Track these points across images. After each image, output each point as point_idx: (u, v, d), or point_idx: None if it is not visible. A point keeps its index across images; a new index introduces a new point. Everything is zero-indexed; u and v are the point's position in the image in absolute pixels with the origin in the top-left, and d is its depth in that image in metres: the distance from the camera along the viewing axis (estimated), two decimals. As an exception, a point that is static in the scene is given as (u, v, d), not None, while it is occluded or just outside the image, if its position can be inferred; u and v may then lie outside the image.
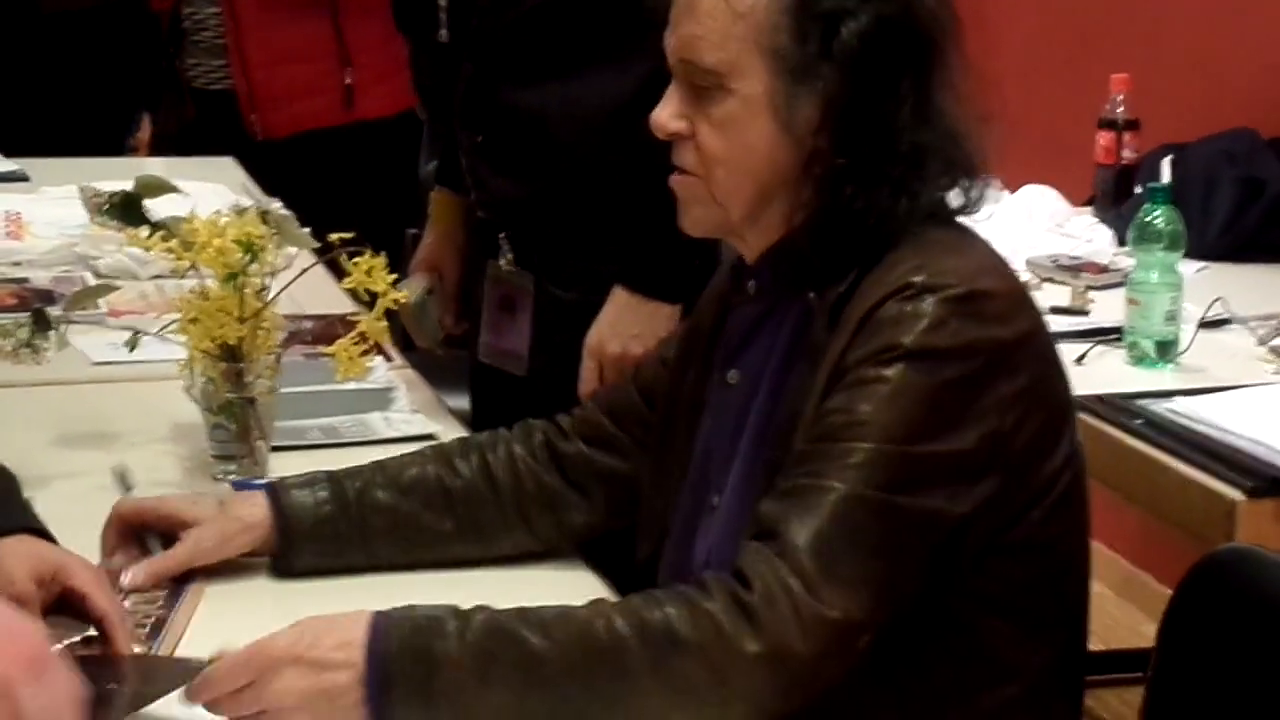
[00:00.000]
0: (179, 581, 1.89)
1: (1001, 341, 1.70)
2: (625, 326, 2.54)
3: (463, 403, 2.68)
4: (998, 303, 1.71)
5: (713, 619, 1.59)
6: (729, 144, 1.77)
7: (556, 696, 1.58)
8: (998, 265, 1.78)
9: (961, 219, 1.82)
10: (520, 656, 1.59)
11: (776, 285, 1.83)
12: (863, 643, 1.63)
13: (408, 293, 2.86)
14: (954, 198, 1.80)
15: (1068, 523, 1.76)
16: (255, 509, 1.95)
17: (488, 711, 1.58)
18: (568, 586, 1.90)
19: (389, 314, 2.18)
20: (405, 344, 3.38)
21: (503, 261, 2.57)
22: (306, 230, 2.39)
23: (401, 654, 1.58)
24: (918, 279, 1.69)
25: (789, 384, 1.78)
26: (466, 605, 1.64)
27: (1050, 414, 1.74)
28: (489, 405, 2.82)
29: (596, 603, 1.66)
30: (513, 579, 1.96)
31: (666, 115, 1.80)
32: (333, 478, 1.98)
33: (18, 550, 1.76)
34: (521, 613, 1.63)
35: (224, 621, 1.83)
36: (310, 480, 1.98)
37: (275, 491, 1.96)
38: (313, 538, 1.94)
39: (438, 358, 2.94)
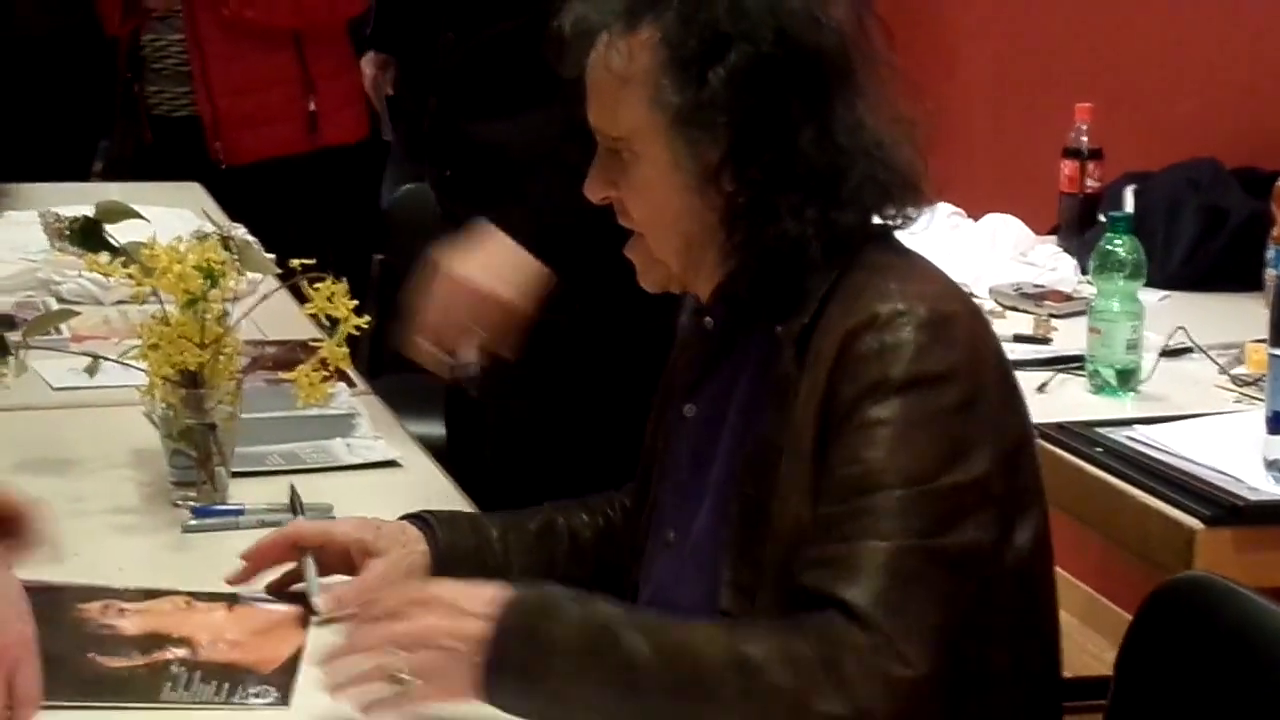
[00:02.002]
0: None
1: (973, 363, 1.70)
2: (483, 254, 2.44)
3: (425, 428, 2.67)
4: (964, 323, 1.72)
5: (804, 666, 1.59)
6: (649, 205, 1.80)
7: (646, 710, 1.61)
8: (950, 286, 1.79)
9: (903, 238, 1.82)
10: (620, 660, 1.61)
11: (731, 321, 1.84)
12: (938, 699, 1.62)
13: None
14: (887, 212, 1.79)
15: (1034, 543, 1.75)
16: (419, 542, 1.94)
17: (580, 706, 1.62)
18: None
19: (351, 340, 2.17)
20: (373, 370, 3.38)
21: None
22: (270, 256, 2.39)
23: (518, 629, 1.62)
24: (886, 308, 1.69)
25: (758, 419, 1.77)
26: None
27: (1017, 432, 1.75)
28: (463, 432, 2.81)
29: (708, 623, 1.67)
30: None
31: (594, 185, 1.84)
32: (472, 520, 2.00)
33: None
34: (636, 615, 1.66)
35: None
36: (451, 519, 1.99)
37: (430, 526, 1.96)
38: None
39: (399, 383, 2.93)
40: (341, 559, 1.93)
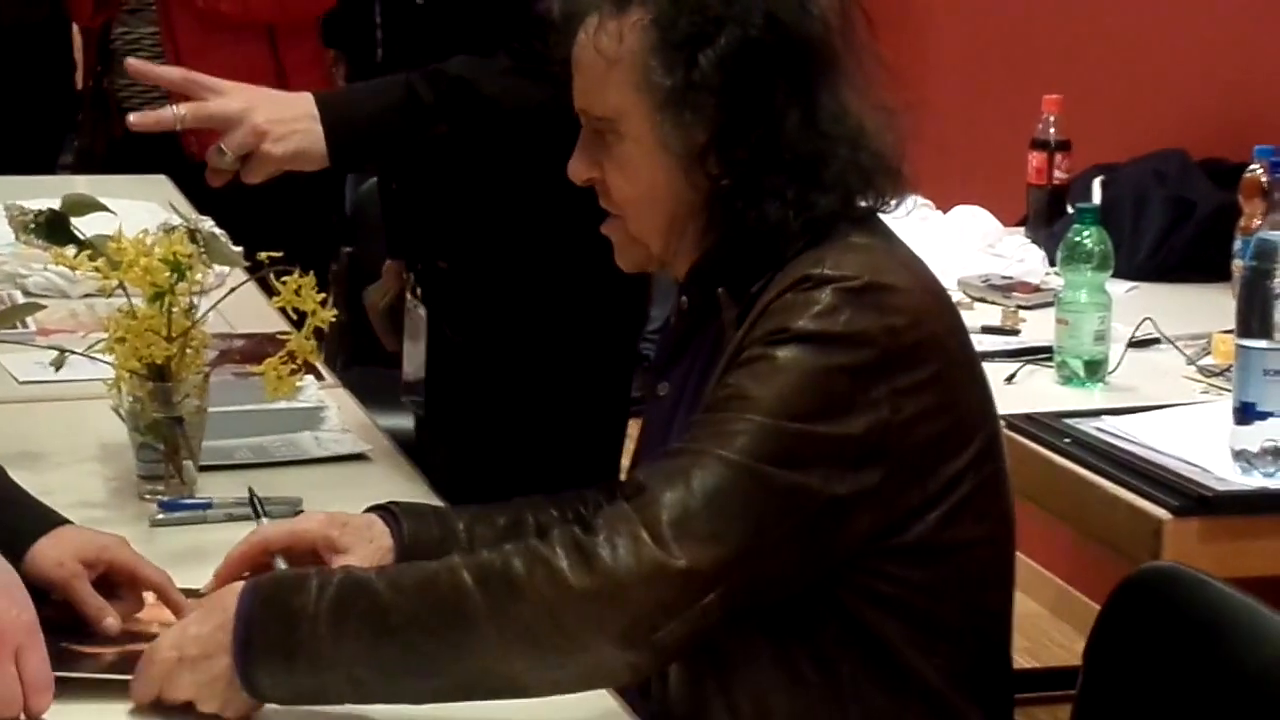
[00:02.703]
0: None
1: (898, 334, 1.71)
2: (281, 111, 2.28)
3: (393, 421, 2.66)
4: (899, 298, 1.73)
5: (547, 561, 1.61)
6: (632, 184, 1.83)
7: (405, 645, 1.61)
8: (909, 264, 1.80)
9: (884, 221, 1.84)
10: (370, 607, 1.62)
11: (703, 299, 1.86)
12: (707, 600, 1.62)
13: (372, 294, 2.86)
14: (867, 197, 1.81)
15: (977, 531, 1.76)
16: (385, 536, 1.92)
17: (342, 663, 1.61)
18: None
19: (319, 333, 2.17)
20: (345, 361, 3.37)
21: (410, 295, 2.55)
22: (239, 249, 2.38)
23: (264, 613, 1.62)
24: (815, 271, 1.73)
25: (705, 388, 1.80)
26: None
27: (957, 418, 1.75)
28: (430, 423, 2.79)
29: (449, 557, 1.68)
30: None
31: (578, 165, 1.87)
32: (438, 512, 1.99)
33: (58, 538, 1.82)
34: (380, 568, 1.69)
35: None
36: (417, 511, 1.97)
37: (396, 518, 1.94)
38: None
39: (369, 376, 2.93)
40: (311, 556, 1.92)
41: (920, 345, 1.72)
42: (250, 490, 2.09)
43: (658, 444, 1.89)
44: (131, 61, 2.23)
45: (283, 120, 2.17)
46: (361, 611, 1.62)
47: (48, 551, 1.80)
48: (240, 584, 1.68)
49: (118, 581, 1.83)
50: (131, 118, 2.14)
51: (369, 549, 1.91)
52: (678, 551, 1.61)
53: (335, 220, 4.13)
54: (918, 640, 1.75)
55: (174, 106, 2.13)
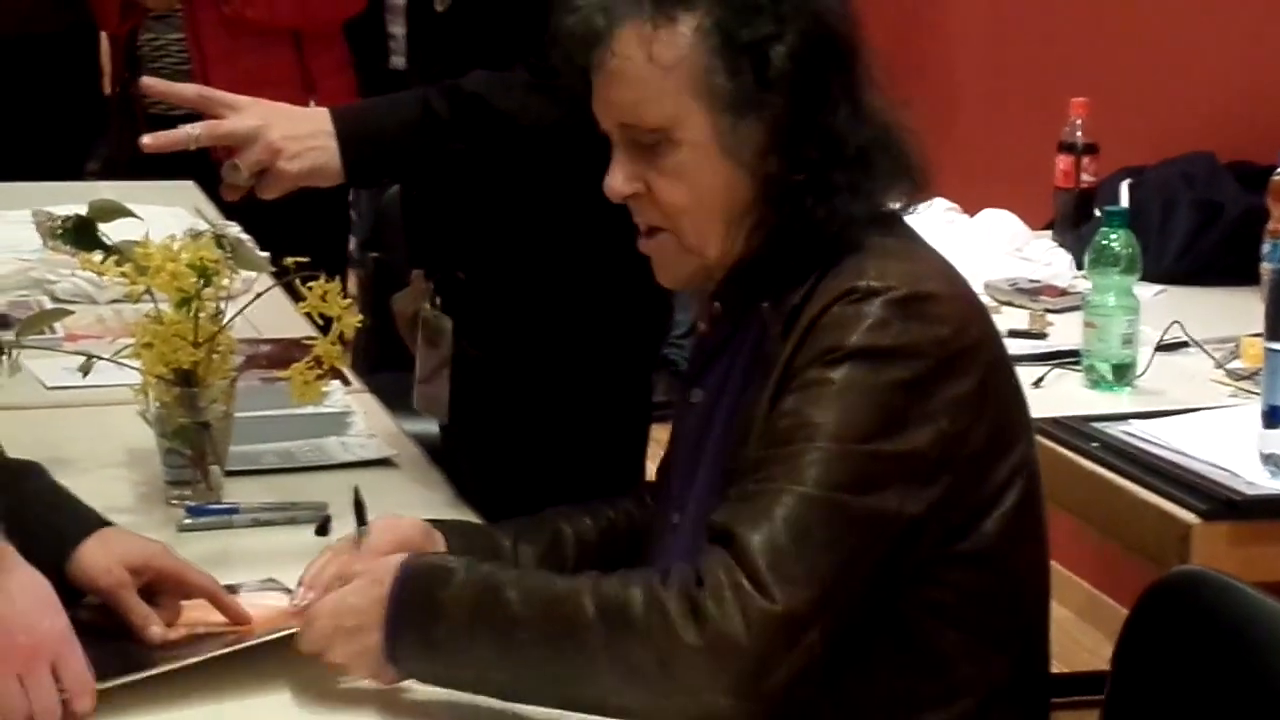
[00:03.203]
0: None
1: (946, 344, 1.71)
2: (297, 128, 2.25)
3: (419, 426, 2.66)
4: (942, 306, 1.73)
5: (663, 608, 1.63)
6: (688, 191, 1.80)
7: (531, 661, 1.66)
8: (945, 270, 1.80)
9: (910, 227, 1.84)
10: (502, 619, 1.67)
11: (738, 303, 1.85)
12: (810, 639, 1.63)
13: (399, 301, 2.85)
14: (899, 195, 1.82)
15: (1021, 535, 1.76)
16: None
17: (475, 664, 1.68)
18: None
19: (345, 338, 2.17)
20: (371, 366, 3.37)
21: (428, 305, 2.54)
22: (266, 255, 2.38)
23: (412, 600, 1.70)
24: (862, 283, 1.72)
25: (745, 396, 1.80)
26: None
27: (999, 423, 1.75)
28: (456, 431, 2.79)
29: (579, 575, 1.71)
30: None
31: (619, 181, 1.83)
32: (482, 531, 2.03)
33: (105, 542, 1.83)
34: (519, 575, 1.72)
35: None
36: (463, 530, 2.00)
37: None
38: None
39: (395, 381, 2.92)
40: None
41: (965, 352, 1.73)
42: (356, 491, 1.98)
43: (692, 451, 1.89)
44: (147, 80, 2.23)
45: (297, 137, 2.17)
46: (494, 620, 1.67)
47: (96, 557, 1.80)
48: (397, 560, 1.74)
49: (163, 589, 1.83)
50: (146, 139, 2.14)
51: None
52: (778, 596, 1.61)
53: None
54: (969, 648, 1.75)
55: (188, 126, 2.13)
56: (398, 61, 4.63)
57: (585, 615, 1.65)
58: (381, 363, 3.52)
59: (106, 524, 1.87)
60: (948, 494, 1.70)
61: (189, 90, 2.21)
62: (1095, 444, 2.47)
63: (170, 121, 4.39)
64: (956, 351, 1.72)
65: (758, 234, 1.81)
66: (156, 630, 1.78)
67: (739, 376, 1.84)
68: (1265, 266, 3.10)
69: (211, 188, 3.87)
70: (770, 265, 1.81)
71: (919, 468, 1.68)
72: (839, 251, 1.76)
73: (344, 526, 2.13)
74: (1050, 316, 3.04)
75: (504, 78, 2.25)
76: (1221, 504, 2.27)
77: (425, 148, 2.25)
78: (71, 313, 2.65)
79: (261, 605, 1.89)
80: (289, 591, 1.90)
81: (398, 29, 4.64)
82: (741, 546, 1.63)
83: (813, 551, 1.64)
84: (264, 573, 1.99)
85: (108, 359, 2.22)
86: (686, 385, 1.94)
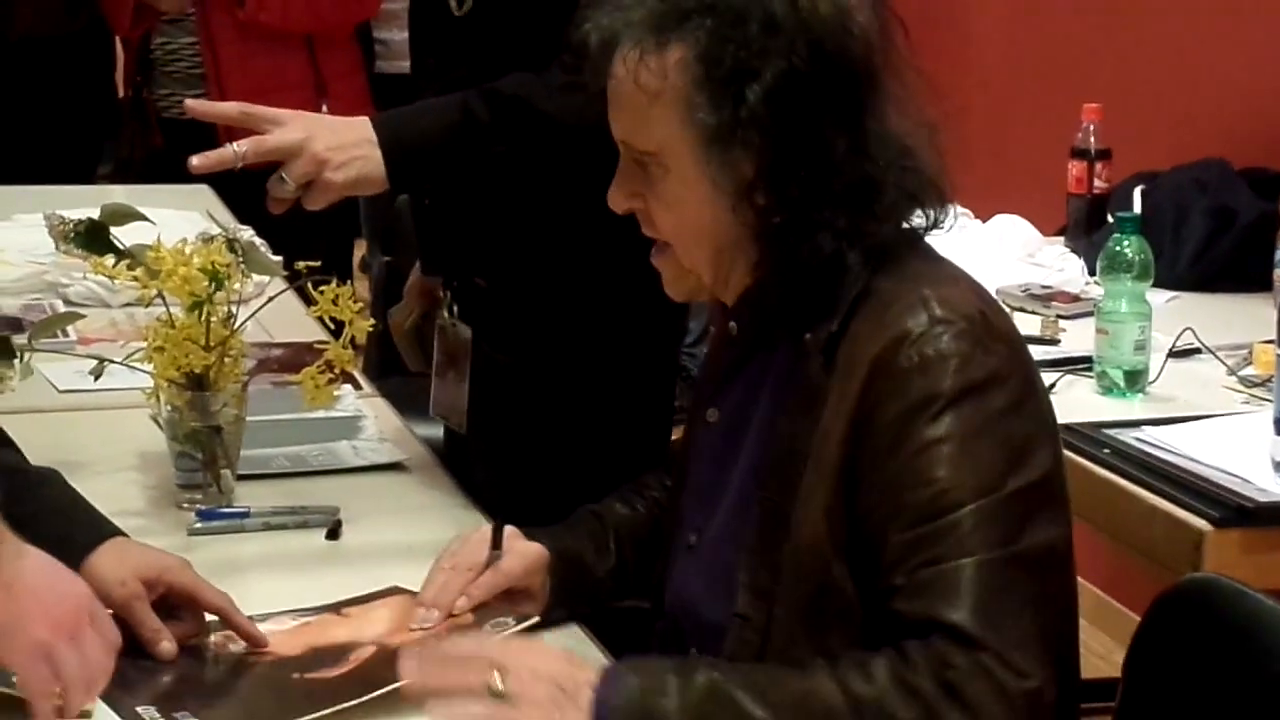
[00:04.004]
0: None
1: (1013, 360, 1.72)
2: (340, 138, 2.23)
3: (430, 430, 2.66)
4: (997, 322, 1.74)
5: (923, 698, 1.59)
6: (678, 218, 1.79)
7: None
8: (977, 288, 1.79)
9: (930, 244, 1.82)
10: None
11: (756, 327, 1.84)
12: (1049, 697, 1.62)
13: (397, 314, 2.85)
14: (918, 218, 1.79)
15: (1067, 539, 1.75)
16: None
17: None
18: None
19: (356, 342, 2.17)
20: (382, 370, 3.37)
21: (446, 313, 2.54)
22: (278, 259, 2.38)
23: (627, 711, 1.59)
24: (919, 320, 1.69)
25: (782, 425, 1.77)
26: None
27: (1052, 425, 1.76)
28: (456, 438, 2.79)
29: (814, 669, 1.64)
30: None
31: (620, 196, 1.83)
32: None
33: (120, 553, 1.83)
34: (741, 675, 1.63)
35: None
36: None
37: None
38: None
39: (406, 386, 2.93)
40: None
41: (1024, 364, 1.73)
42: (496, 524, 1.96)
43: (709, 471, 1.87)
44: (190, 103, 2.22)
45: (342, 147, 2.17)
46: None
47: (110, 568, 1.79)
48: (589, 674, 1.62)
49: (176, 604, 1.82)
50: (194, 161, 2.13)
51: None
52: (1025, 668, 1.60)
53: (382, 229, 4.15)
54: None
55: (233, 144, 2.13)
56: (385, 66, 4.64)
57: (834, 711, 1.59)
58: (393, 367, 3.52)
59: (118, 533, 1.87)
60: (1065, 504, 1.72)
61: (231, 109, 2.21)
62: (1107, 450, 2.47)
63: (183, 126, 4.45)
64: (1021, 365, 1.73)
65: (763, 267, 1.78)
66: (168, 646, 1.78)
67: (767, 402, 1.81)
68: (1278, 273, 3.09)
69: (224, 191, 3.90)
70: (780, 301, 1.78)
71: (1054, 488, 1.70)
72: (866, 275, 1.74)
73: (355, 531, 2.15)
74: (1062, 322, 3.03)
75: (542, 79, 2.25)
76: (1234, 511, 2.27)
77: (467, 151, 2.26)
78: (84, 316, 2.65)
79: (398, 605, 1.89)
80: (307, 611, 1.90)
81: (389, 34, 4.64)
82: (958, 627, 1.61)
83: (1021, 612, 1.63)
84: (274, 576, 1.99)
85: (120, 362, 2.23)
86: (702, 404, 1.91)
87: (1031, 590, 1.65)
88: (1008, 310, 3.08)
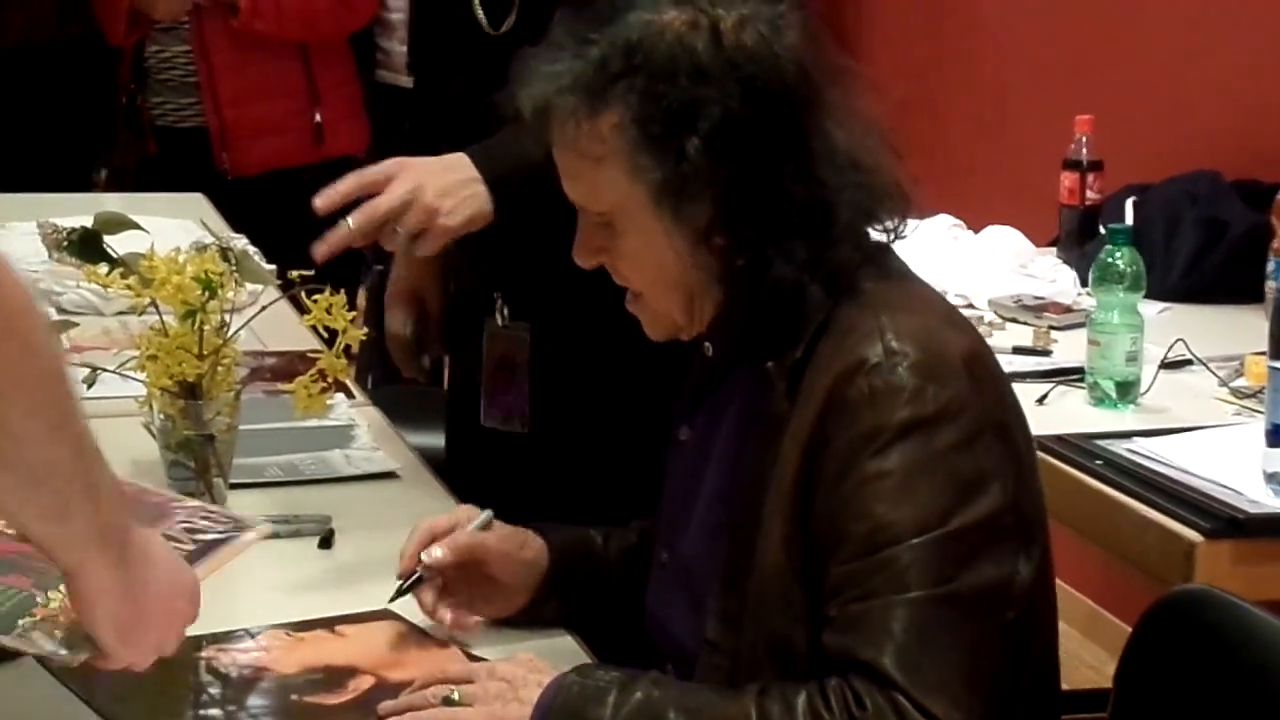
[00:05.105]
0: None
1: (976, 390, 1.68)
2: (446, 181, 2.25)
3: (423, 440, 2.66)
4: (959, 355, 1.70)
5: None
6: (642, 272, 1.80)
7: None
8: (943, 312, 1.78)
9: (900, 259, 1.81)
10: None
11: (727, 352, 1.84)
12: None
13: (392, 324, 2.85)
14: (877, 230, 1.78)
15: (1041, 568, 1.73)
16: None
17: None
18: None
19: (347, 351, 2.17)
20: (379, 378, 3.37)
21: (499, 318, 2.52)
22: (272, 267, 2.38)
23: (563, 713, 1.65)
24: (875, 350, 1.68)
25: (747, 451, 1.77)
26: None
27: (1024, 454, 1.74)
28: (462, 445, 2.79)
29: (744, 694, 1.65)
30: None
31: (584, 254, 1.83)
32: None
33: None
34: (678, 694, 1.66)
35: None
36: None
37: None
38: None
39: (399, 394, 2.93)
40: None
41: (986, 395, 1.70)
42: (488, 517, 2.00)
43: (680, 492, 1.88)
44: (320, 247, 2.14)
45: (451, 191, 2.17)
46: None
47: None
48: (542, 677, 1.69)
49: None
50: (320, 250, 2.11)
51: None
52: (940, 710, 1.59)
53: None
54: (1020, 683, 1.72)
55: (348, 220, 2.12)
56: (387, 76, 4.63)
57: None
58: (386, 375, 3.53)
59: None
60: (1022, 542, 1.68)
61: (348, 185, 2.18)
62: (1099, 461, 2.47)
63: (177, 134, 4.45)
64: (980, 399, 1.69)
65: (733, 296, 1.78)
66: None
67: (733, 426, 1.82)
68: (1270, 285, 3.10)
69: (218, 200, 3.90)
70: (743, 330, 1.78)
71: (1003, 524, 1.66)
72: (829, 302, 1.73)
73: (347, 540, 2.15)
74: (1054, 333, 3.04)
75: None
76: (1225, 522, 2.27)
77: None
78: (77, 324, 2.65)
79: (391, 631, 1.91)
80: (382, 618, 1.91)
81: (390, 44, 4.64)
82: (876, 668, 1.60)
83: (943, 656, 1.61)
84: (267, 585, 1.98)
85: (113, 371, 2.22)
86: (676, 418, 1.92)
87: (964, 631, 1.63)
88: (999, 321, 3.11)
